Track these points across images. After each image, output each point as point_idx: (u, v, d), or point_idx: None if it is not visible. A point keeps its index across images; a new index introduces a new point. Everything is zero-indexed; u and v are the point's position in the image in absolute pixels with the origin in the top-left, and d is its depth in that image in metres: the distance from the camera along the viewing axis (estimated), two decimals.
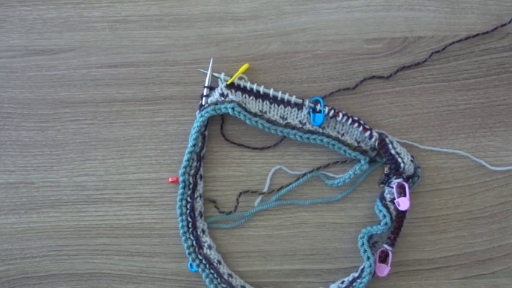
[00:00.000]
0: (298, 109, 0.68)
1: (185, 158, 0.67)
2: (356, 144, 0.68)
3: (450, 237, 0.68)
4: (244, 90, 0.68)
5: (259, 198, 0.68)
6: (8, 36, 0.70)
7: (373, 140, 0.66)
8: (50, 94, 0.70)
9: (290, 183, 0.68)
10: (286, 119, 0.68)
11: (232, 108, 0.65)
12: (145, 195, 0.69)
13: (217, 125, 0.69)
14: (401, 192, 0.65)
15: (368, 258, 0.64)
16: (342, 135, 0.68)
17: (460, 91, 0.69)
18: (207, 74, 0.68)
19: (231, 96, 0.67)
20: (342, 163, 0.69)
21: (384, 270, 0.65)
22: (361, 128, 0.67)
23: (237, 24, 0.70)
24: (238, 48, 0.70)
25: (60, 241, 0.68)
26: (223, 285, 0.66)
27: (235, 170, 0.69)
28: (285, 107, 0.68)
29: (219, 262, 0.67)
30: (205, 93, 0.68)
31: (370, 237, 0.66)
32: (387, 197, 0.66)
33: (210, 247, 0.67)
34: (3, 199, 0.69)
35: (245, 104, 0.67)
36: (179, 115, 0.69)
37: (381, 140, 0.66)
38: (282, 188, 0.68)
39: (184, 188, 0.67)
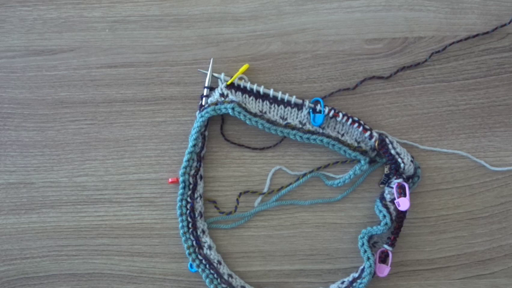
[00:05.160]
0: (299, 109, 0.68)
1: (185, 158, 0.67)
2: (356, 144, 0.68)
3: (450, 238, 0.68)
4: (244, 90, 0.68)
5: (259, 199, 0.68)
6: (8, 37, 0.70)
7: (373, 140, 0.66)
8: (50, 94, 0.70)
9: (290, 184, 0.68)
10: (286, 119, 0.68)
11: (232, 109, 0.65)
12: (145, 196, 0.69)
13: (217, 125, 0.69)
14: (401, 192, 0.65)
15: (368, 258, 0.64)
16: (342, 135, 0.68)
17: (460, 91, 0.69)
18: (207, 74, 0.68)
19: (231, 97, 0.67)
20: (342, 163, 0.69)
21: (384, 270, 0.65)
22: (361, 128, 0.67)
23: (237, 25, 0.70)
24: (238, 49, 0.70)
25: (60, 241, 0.68)
26: (223, 286, 0.66)
27: (235, 170, 0.69)
28: (285, 107, 0.68)
29: (219, 262, 0.67)
30: (205, 94, 0.68)
31: (370, 237, 0.66)
32: (387, 197, 0.66)
33: (210, 247, 0.67)
34: (3, 199, 0.69)
35: (245, 104, 0.67)
36: (179, 115, 0.69)
37: (381, 140, 0.66)
38: (282, 188, 0.68)
39: (184, 188, 0.67)
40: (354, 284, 0.65)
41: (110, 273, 0.68)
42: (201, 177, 0.68)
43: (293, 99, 0.67)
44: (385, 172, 0.68)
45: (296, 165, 0.69)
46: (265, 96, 0.68)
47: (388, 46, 0.70)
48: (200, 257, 0.66)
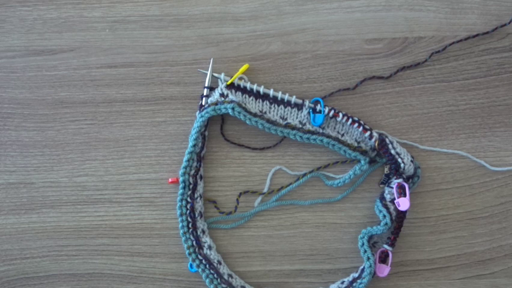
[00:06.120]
0: (298, 109, 0.68)
1: (185, 158, 0.67)
2: (356, 144, 0.68)
3: (450, 237, 0.68)
4: (244, 90, 0.68)
5: (259, 199, 0.68)
6: (8, 37, 0.70)
7: (373, 140, 0.66)
8: (50, 94, 0.70)
9: (290, 184, 0.68)
10: (286, 119, 0.68)
11: (232, 109, 0.65)
12: (145, 196, 0.69)
13: (217, 125, 0.69)
14: (401, 192, 0.65)
15: (368, 258, 0.64)
16: (342, 135, 0.68)
17: (460, 91, 0.69)
18: (207, 74, 0.68)
19: (231, 97, 0.67)
20: (342, 163, 0.69)
21: (384, 270, 0.65)
22: (361, 128, 0.67)
23: (237, 25, 0.70)
24: (238, 49, 0.70)
25: (61, 241, 0.68)
26: (223, 286, 0.66)
27: (235, 170, 0.69)
28: (285, 107, 0.68)
29: (219, 262, 0.67)
30: (205, 94, 0.68)
31: (370, 237, 0.66)
32: (387, 197, 0.66)
33: (210, 247, 0.67)
34: (3, 199, 0.69)
35: (245, 104, 0.67)
36: (179, 115, 0.69)
37: (381, 140, 0.66)
38: (282, 188, 0.68)
39: (184, 188, 0.67)
40: (354, 284, 0.65)
41: (110, 273, 0.68)
42: (201, 177, 0.68)
43: (293, 99, 0.67)
44: (385, 172, 0.68)
45: (296, 165, 0.69)
46: (265, 96, 0.68)
47: (388, 46, 0.70)
48: (200, 257, 0.66)
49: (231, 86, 0.68)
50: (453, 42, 0.69)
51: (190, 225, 0.67)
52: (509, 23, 0.69)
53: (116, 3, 0.70)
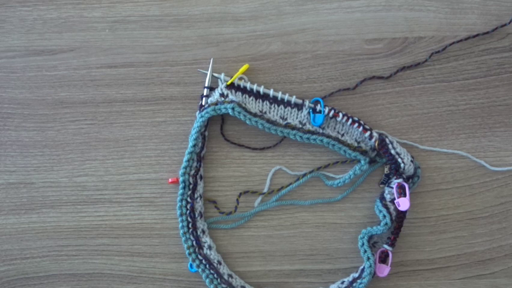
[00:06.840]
0: (299, 109, 0.68)
1: (185, 158, 0.67)
2: (356, 144, 0.68)
3: (450, 237, 0.68)
4: (244, 90, 0.68)
5: (259, 199, 0.68)
6: (8, 37, 0.70)
7: (373, 140, 0.66)
8: (50, 94, 0.70)
9: (290, 184, 0.68)
10: (286, 119, 0.68)
11: (232, 109, 0.65)
12: (145, 196, 0.69)
13: (217, 125, 0.69)
14: (401, 192, 0.65)
15: (368, 258, 0.64)
16: (342, 135, 0.68)
17: (460, 91, 0.69)
18: (207, 74, 0.68)
19: (231, 97, 0.67)
20: (342, 163, 0.69)
21: (384, 270, 0.65)
22: (361, 128, 0.67)
23: (237, 25, 0.70)
24: (238, 49, 0.70)
25: (61, 241, 0.68)
26: (223, 286, 0.66)
27: (235, 170, 0.69)
28: (285, 107, 0.68)
29: (219, 262, 0.67)
30: (205, 94, 0.68)
31: (370, 237, 0.66)
32: (387, 197, 0.66)
33: (210, 247, 0.67)
34: (3, 199, 0.69)
35: (245, 104, 0.67)
36: (179, 115, 0.69)
37: (381, 140, 0.66)
38: (282, 188, 0.68)
39: (184, 188, 0.67)
40: (354, 284, 0.65)
41: (110, 273, 0.68)
42: (201, 177, 0.68)
43: (293, 99, 0.67)
44: (385, 172, 0.68)
45: (296, 165, 0.69)
46: (265, 96, 0.68)
47: (388, 46, 0.70)
48: (200, 257, 0.66)
49: (231, 86, 0.68)
50: (453, 42, 0.69)
51: (190, 225, 0.67)
52: (509, 23, 0.69)
53: (116, 3, 0.70)
